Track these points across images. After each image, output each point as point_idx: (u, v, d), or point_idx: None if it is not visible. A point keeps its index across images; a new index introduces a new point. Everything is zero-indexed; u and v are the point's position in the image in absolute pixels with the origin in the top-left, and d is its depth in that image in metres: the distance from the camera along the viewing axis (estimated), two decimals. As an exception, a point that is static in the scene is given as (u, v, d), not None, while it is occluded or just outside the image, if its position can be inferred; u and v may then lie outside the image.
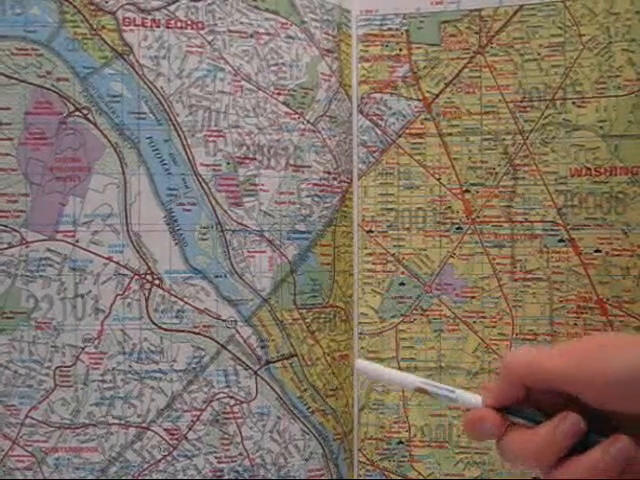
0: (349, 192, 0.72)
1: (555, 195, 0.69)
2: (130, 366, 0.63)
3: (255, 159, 0.66)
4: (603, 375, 0.43)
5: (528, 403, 0.47)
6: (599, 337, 0.48)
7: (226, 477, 0.65)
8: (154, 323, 0.64)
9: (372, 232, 0.73)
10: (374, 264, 0.73)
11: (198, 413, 0.64)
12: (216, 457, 0.65)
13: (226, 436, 0.65)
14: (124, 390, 0.63)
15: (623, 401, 0.43)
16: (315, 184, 0.69)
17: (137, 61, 0.63)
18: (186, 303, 0.64)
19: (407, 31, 0.73)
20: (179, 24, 0.64)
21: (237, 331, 0.65)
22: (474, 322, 0.71)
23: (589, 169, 0.68)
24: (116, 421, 0.63)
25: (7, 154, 0.61)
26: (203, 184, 0.65)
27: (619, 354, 0.43)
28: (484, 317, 0.71)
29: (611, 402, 0.44)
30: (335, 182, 0.70)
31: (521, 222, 0.70)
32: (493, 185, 0.71)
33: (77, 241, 0.62)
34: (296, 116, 0.68)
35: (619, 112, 0.67)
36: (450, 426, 0.72)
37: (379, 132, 0.73)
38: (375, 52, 0.73)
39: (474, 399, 0.47)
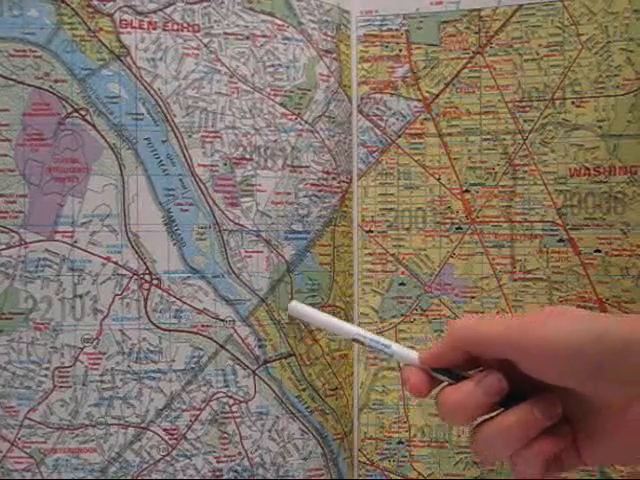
0: (349, 192, 0.72)
1: (554, 195, 0.69)
2: (129, 366, 0.63)
3: (252, 160, 0.66)
4: (543, 342, 0.41)
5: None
6: (557, 307, 0.46)
7: (225, 477, 0.65)
8: (153, 323, 0.64)
9: (372, 232, 0.73)
10: (374, 264, 0.73)
11: (197, 413, 0.65)
12: (215, 457, 0.65)
13: (225, 436, 0.65)
14: (123, 390, 0.63)
15: (562, 374, 0.42)
16: (313, 184, 0.69)
17: (134, 63, 0.63)
18: (184, 303, 0.64)
19: (407, 31, 0.73)
20: (175, 26, 0.64)
21: (235, 331, 0.65)
22: (474, 322, 0.71)
23: (588, 169, 0.68)
24: (115, 421, 0.63)
25: (5, 155, 0.61)
26: (200, 184, 0.65)
27: (566, 324, 0.41)
28: (484, 317, 0.71)
29: (550, 374, 0.42)
30: (334, 182, 0.70)
31: (520, 222, 0.70)
32: (493, 185, 0.71)
33: (75, 242, 0.62)
34: (293, 117, 0.68)
35: (618, 111, 0.67)
36: (450, 426, 0.71)
37: (379, 132, 0.73)
38: (375, 52, 0.73)
39: (410, 355, 0.47)
